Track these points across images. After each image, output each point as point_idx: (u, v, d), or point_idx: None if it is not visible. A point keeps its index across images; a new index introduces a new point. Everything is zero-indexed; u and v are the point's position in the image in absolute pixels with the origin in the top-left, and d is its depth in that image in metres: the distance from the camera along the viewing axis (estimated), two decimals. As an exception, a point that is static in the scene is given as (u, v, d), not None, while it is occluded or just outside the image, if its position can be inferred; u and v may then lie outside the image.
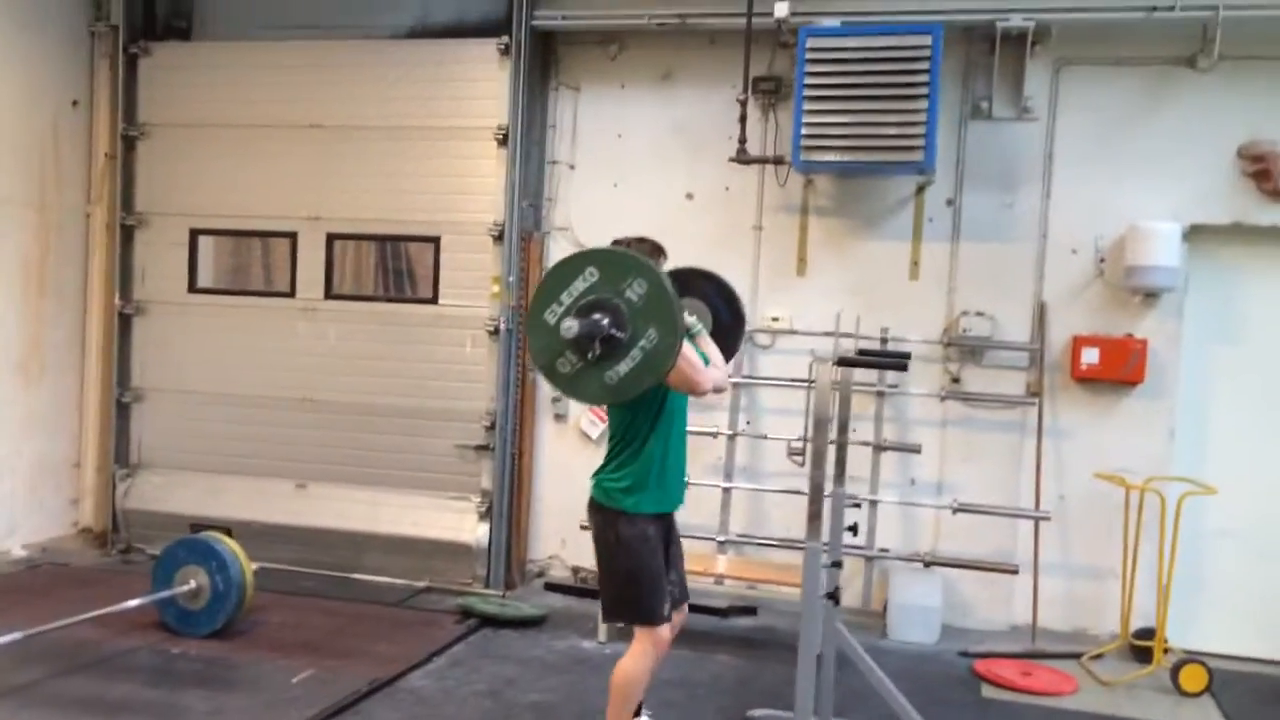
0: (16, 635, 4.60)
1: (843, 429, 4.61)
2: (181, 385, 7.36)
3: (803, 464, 3.40)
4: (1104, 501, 6.07)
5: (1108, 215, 6.21)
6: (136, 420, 7.48)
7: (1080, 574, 6.31)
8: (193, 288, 7.33)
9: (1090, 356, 6.15)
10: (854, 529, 4.67)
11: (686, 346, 3.70)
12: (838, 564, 4.13)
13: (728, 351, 4.57)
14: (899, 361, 3.51)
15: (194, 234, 7.30)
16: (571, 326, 3.35)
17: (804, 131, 5.96)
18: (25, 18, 6.94)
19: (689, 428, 4.25)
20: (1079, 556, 6.31)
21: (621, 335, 3.41)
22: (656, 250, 4.14)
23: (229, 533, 7.11)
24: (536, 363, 3.65)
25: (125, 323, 7.43)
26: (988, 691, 5.43)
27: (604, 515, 4.03)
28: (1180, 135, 6.10)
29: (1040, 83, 6.25)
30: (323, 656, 5.31)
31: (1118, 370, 6.11)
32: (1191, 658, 5.59)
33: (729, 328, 4.64)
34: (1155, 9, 5.78)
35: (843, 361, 3.48)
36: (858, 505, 4.65)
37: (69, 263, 7.42)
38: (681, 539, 4.34)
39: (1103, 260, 6.21)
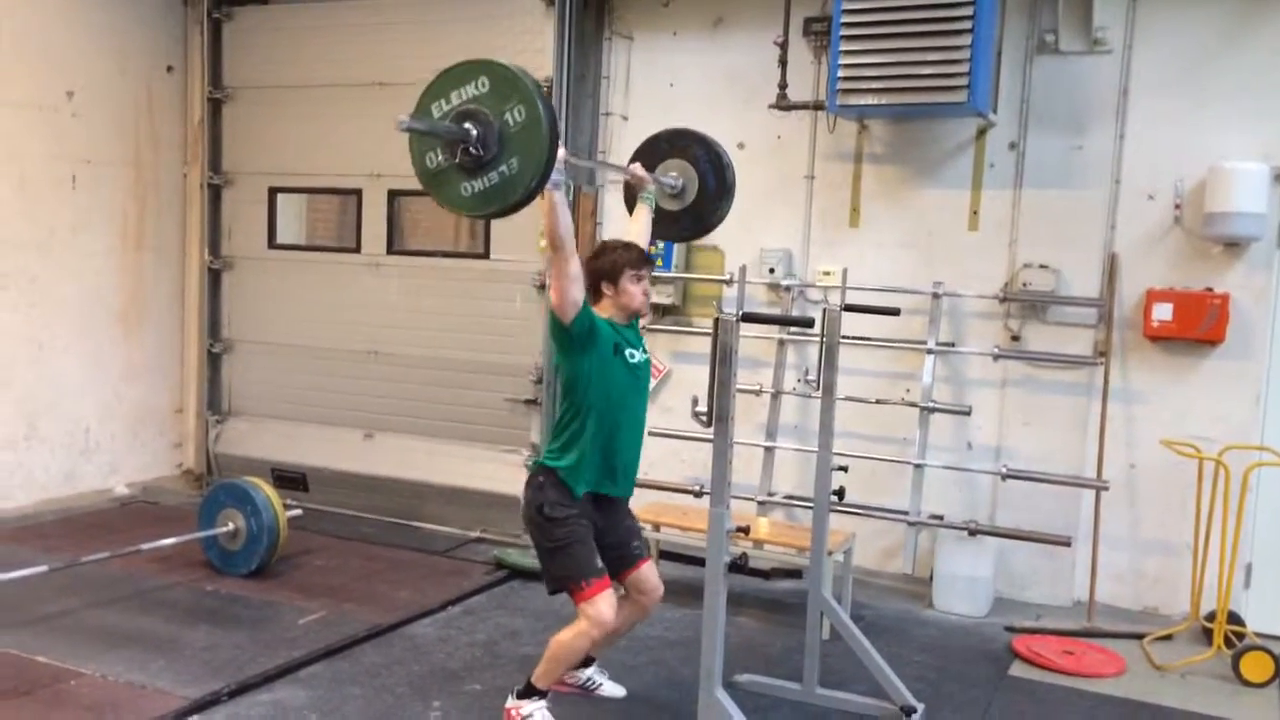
0: (42, 569, 4.95)
1: (829, 389, 4.38)
2: (264, 337, 7.73)
3: (707, 424, 3.22)
4: (1180, 472, 5.54)
5: (1189, 156, 5.61)
6: (226, 370, 7.92)
7: (1151, 549, 5.81)
8: (272, 244, 7.66)
9: (1162, 313, 5.61)
10: (840, 493, 4.44)
11: (559, 200, 3.54)
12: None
13: (708, 220, 4.50)
14: (805, 319, 3.28)
15: (272, 192, 7.62)
16: (403, 120, 3.27)
17: (840, 74, 5.64)
18: (119, -12, 7.35)
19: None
20: (1150, 530, 5.81)
21: (478, 152, 3.30)
22: (643, 259, 3.99)
23: (304, 479, 7.51)
24: (412, 152, 3.53)
25: (215, 278, 7.85)
26: (1016, 669, 5.09)
27: (534, 487, 3.93)
28: (1274, 66, 5.44)
29: (1114, 12, 5.69)
30: (341, 600, 5.49)
31: (1193, 328, 5.55)
32: (1259, 645, 5.06)
33: (713, 197, 4.53)
34: (1237, -78, 5.17)
35: (748, 317, 3.29)
36: (844, 469, 4.39)
37: (168, 220, 7.87)
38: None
39: (1178, 206, 5.63)
